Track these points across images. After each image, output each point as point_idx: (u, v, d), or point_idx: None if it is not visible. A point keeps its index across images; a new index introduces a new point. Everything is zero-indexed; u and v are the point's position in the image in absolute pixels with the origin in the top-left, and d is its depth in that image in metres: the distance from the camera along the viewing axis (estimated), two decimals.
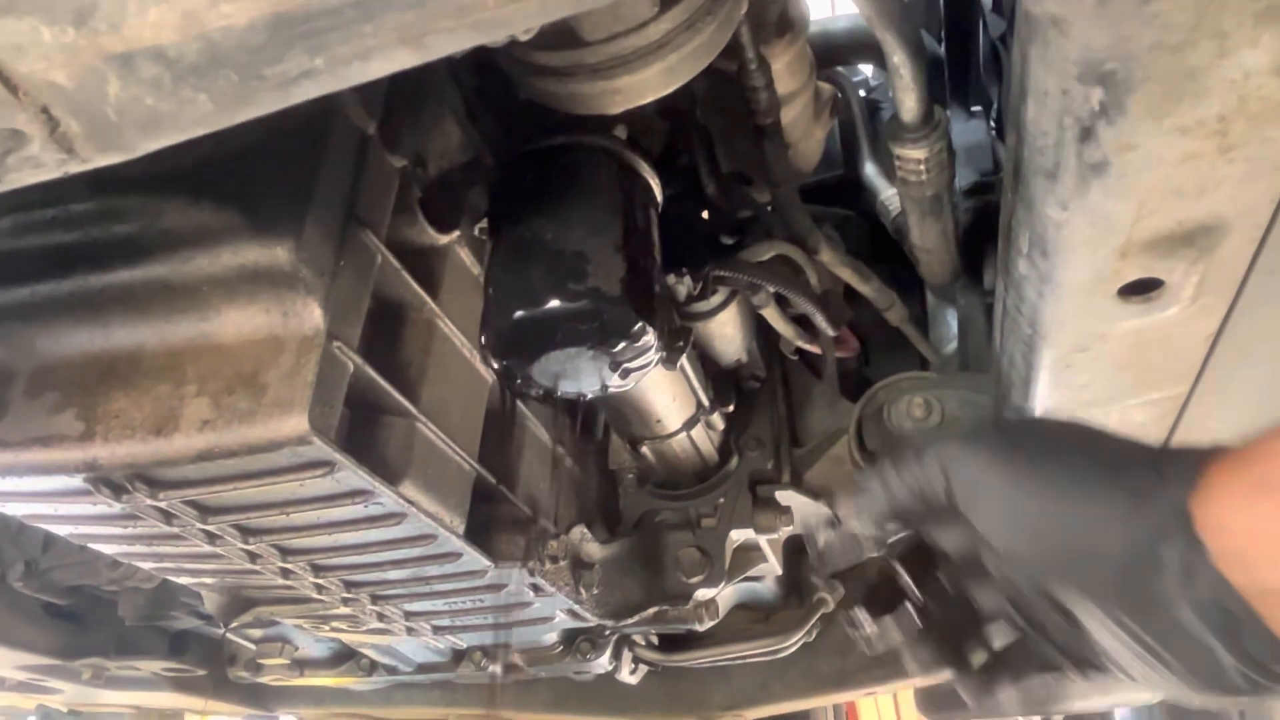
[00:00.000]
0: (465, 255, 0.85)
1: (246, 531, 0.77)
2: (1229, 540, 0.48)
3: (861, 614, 0.65)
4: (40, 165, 0.37)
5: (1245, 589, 0.48)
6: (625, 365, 0.76)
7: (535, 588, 0.95)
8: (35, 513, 0.78)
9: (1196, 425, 0.81)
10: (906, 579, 0.65)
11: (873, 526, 0.63)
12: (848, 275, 1.18)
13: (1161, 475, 0.51)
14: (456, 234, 0.82)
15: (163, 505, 0.71)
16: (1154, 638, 0.51)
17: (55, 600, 1.21)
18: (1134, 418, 0.79)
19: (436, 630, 1.07)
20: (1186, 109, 0.46)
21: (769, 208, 1.09)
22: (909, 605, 0.64)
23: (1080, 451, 0.55)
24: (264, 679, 1.41)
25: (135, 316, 0.67)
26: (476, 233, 0.84)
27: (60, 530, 0.82)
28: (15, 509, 0.77)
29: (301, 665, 1.36)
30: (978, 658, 0.61)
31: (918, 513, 0.60)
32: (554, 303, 0.73)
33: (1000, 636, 0.60)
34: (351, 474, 0.67)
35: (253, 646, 1.32)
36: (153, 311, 0.67)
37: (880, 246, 1.33)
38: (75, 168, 0.38)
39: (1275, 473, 0.47)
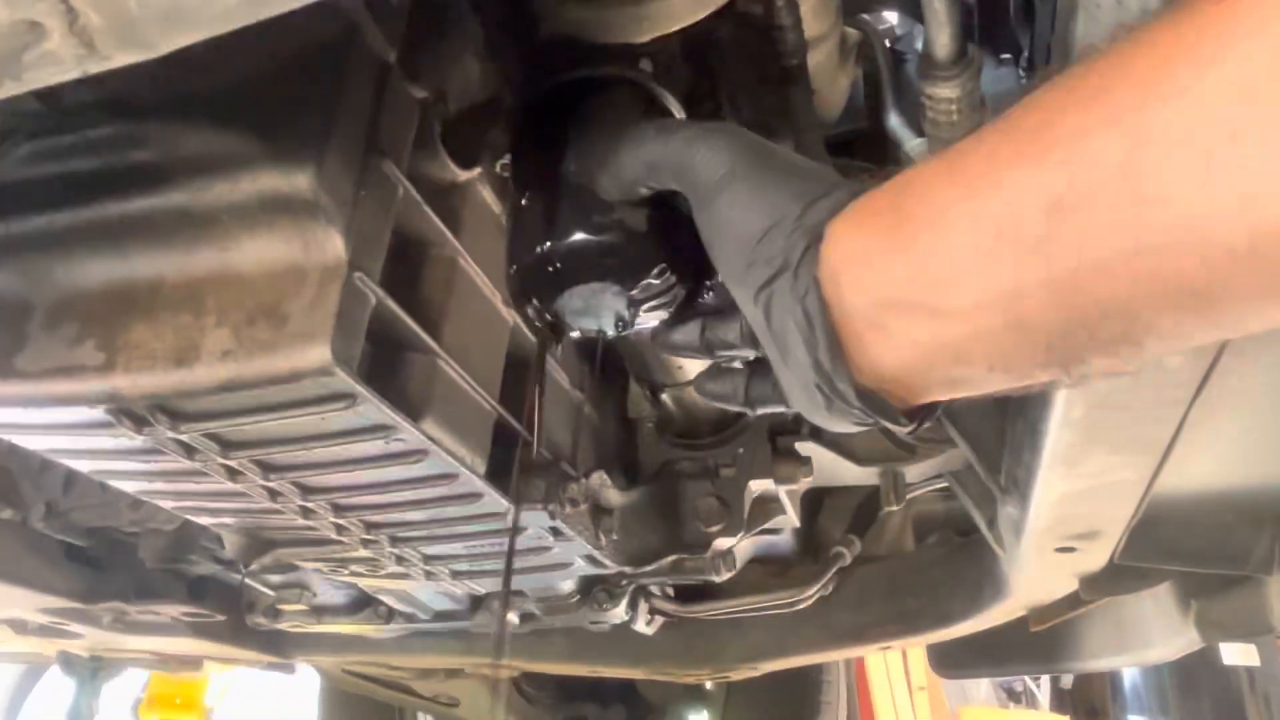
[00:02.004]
0: (487, 193, 0.83)
1: (267, 467, 0.77)
2: (831, 253, 0.52)
3: None
4: (59, 62, 0.36)
5: (831, 303, 0.52)
6: (649, 302, 0.75)
7: (555, 531, 0.94)
8: (56, 446, 0.78)
9: (1231, 375, 0.80)
10: None
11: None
12: None
13: (829, 189, 0.55)
14: (478, 171, 0.81)
15: (184, 438, 0.70)
16: (774, 340, 0.56)
17: (76, 542, 1.22)
18: (1169, 362, 0.77)
19: (455, 575, 1.07)
20: None
21: None
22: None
23: (791, 161, 0.61)
24: (282, 625, 1.42)
25: (155, 246, 0.66)
26: (498, 169, 0.82)
27: (81, 466, 0.82)
28: (37, 442, 0.77)
29: (320, 612, 1.37)
30: None
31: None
32: (578, 236, 0.72)
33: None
34: (373, 408, 0.67)
35: (271, 593, 1.33)
36: (172, 241, 0.66)
37: None
38: (95, 66, 0.37)
39: (878, 199, 0.51)
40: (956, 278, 0.46)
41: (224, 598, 1.45)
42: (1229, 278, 0.37)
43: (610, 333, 0.74)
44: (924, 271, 0.47)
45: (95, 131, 0.66)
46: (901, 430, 0.56)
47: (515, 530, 0.81)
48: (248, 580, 1.27)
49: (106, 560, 1.33)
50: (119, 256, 0.67)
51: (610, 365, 1.12)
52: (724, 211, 0.60)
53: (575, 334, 0.74)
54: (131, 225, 0.66)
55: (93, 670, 1.82)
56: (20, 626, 1.54)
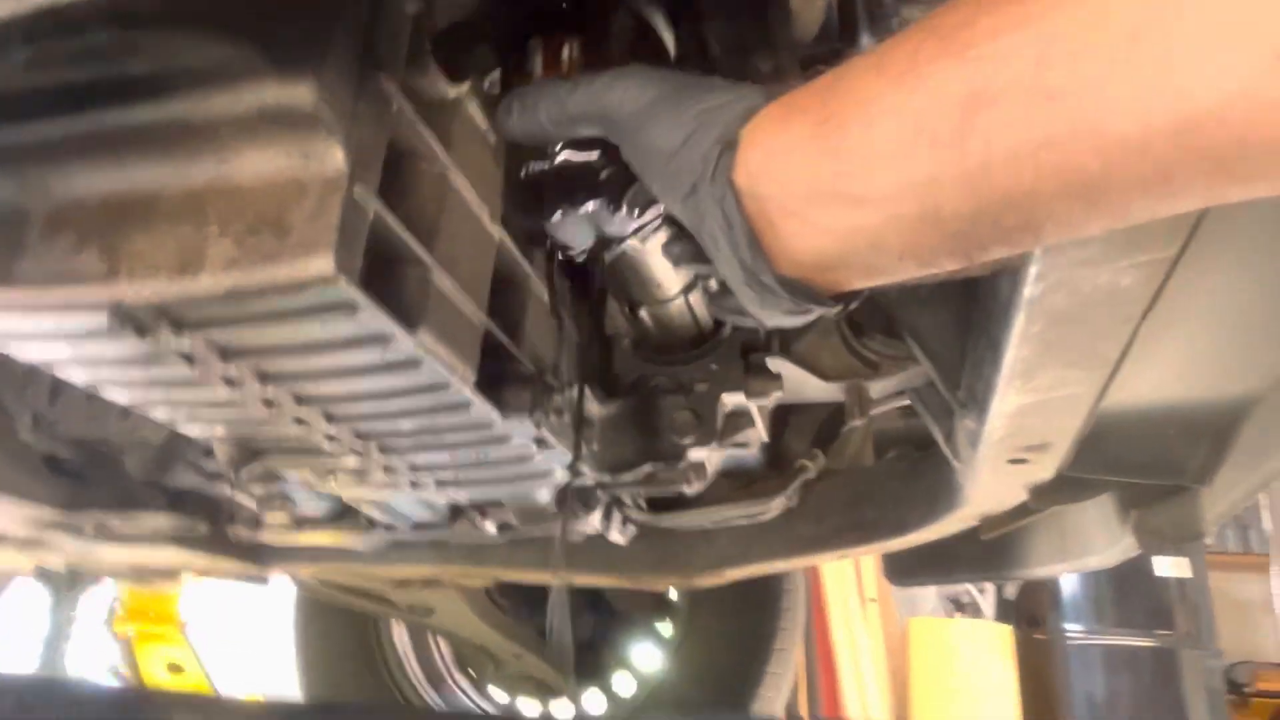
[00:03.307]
0: (474, 110, 0.85)
1: (265, 376, 0.80)
2: (749, 153, 0.55)
3: None
4: None
5: (749, 197, 0.55)
6: (635, 221, 0.78)
7: (539, 441, 0.98)
8: (53, 355, 0.80)
9: (1178, 295, 0.85)
10: None
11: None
12: None
13: (741, 98, 0.58)
14: (466, 87, 0.82)
15: (186, 345, 0.72)
16: (707, 238, 0.60)
17: (62, 453, 1.23)
18: (1122, 281, 0.82)
19: (440, 484, 1.11)
20: None
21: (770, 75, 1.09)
22: None
23: (705, 83, 0.64)
24: (263, 536, 1.46)
25: (153, 157, 0.67)
26: (487, 86, 0.84)
27: (76, 375, 0.84)
28: (32, 351, 0.79)
29: (301, 523, 1.40)
30: None
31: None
32: (564, 156, 0.74)
33: None
34: (373, 317, 0.69)
35: (254, 504, 1.36)
36: (171, 152, 0.67)
37: None
38: None
39: (803, 98, 0.54)
40: (876, 168, 0.49)
41: (205, 510, 1.48)
42: (1121, 170, 0.41)
43: (603, 253, 0.76)
44: (846, 162, 0.50)
45: (93, 40, 0.66)
46: (829, 312, 0.61)
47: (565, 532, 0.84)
48: (234, 491, 1.30)
49: (88, 473, 1.35)
50: (116, 167, 0.68)
51: (588, 281, 1.15)
52: (645, 136, 0.64)
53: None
54: (129, 136, 0.67)
55: (69, 582, 1.85)
56: None
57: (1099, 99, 0.39)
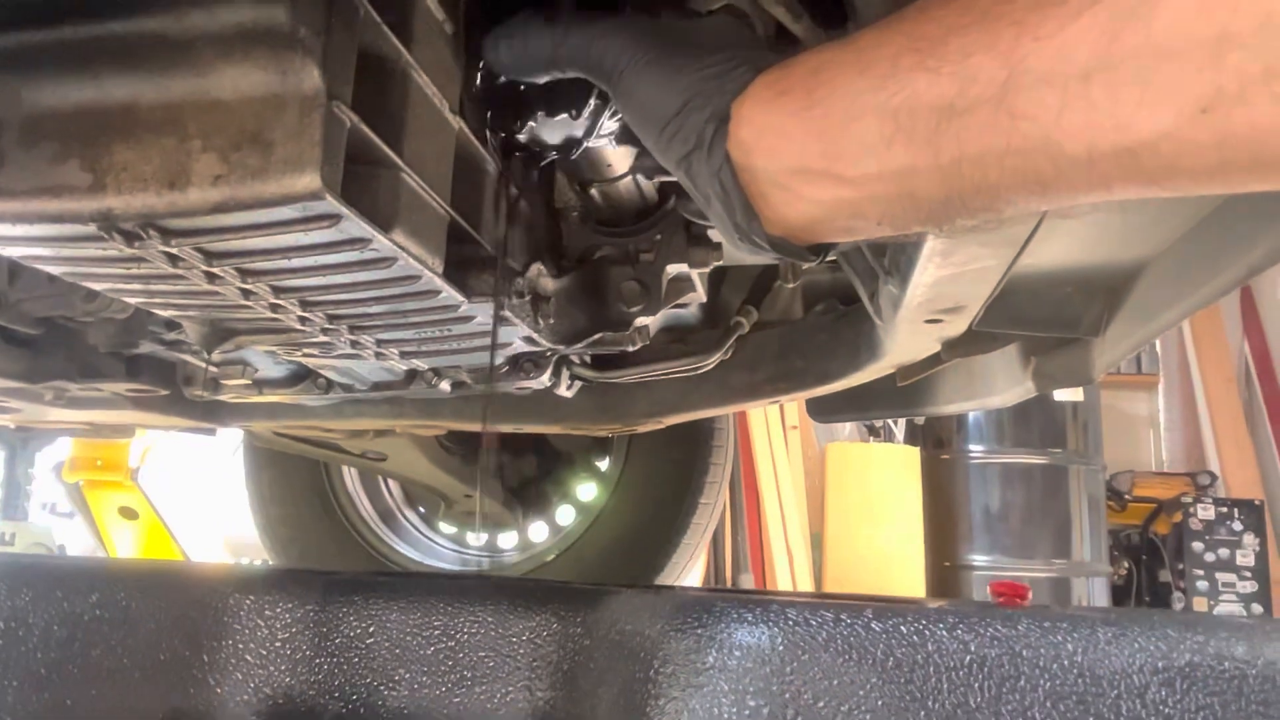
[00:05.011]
0: (431, 2, 0.86)
1: (246, 273, 0.84)
2: (740, 130, 0.61)
3: None
4: None
5: (742, 170, 0.61)
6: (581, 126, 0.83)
7: (502, 320, 1.05)
8: (30, 254, 0.82)
9: None
10: None
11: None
12: (780, 13, 1.22)
13: (731, 69, 0.63)
14: None
15: (173, 251, 0.76)
16: (701, 197, 0.67)
17: (21, 328, 1.25)
18: None
19: (403, 355, 1.18)
20: None
21: None
22: None
23: (691, 40, 0.68)
24: (222, 397, 1.51)
25: (129, 69, 0.69)
26: None
27: (52, 269, 0.86)
28: (9, 251, 0.81)
29: (260, 384, 1.46)
30: None
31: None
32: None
33: None
34: (354, 224, 0.74)
35: (214, 369, 1.41)
36: (148, 65, 0.68)
37: None
38: None
39: (787, 80, 0.60)
40: (859, 155, 0.56)
41: (162, 373, 1.52)
42: (1071, 177, 0.49)
43: (570, 152, 0.82)
44: (832, 147, 0.57)
45: None
46: (808, 263, 0.69)
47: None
48: (192, 360, 1.34)
49: (45, 344, 1.37)
50: (91, 78, 0.69)
51: (540, 158, 1.18)
52: (636, 95, 0.68)
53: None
54: (105, 48, 0.68)
55: (23, 440, 1.88)
56: None
57: (1055, 123, 0.46)
